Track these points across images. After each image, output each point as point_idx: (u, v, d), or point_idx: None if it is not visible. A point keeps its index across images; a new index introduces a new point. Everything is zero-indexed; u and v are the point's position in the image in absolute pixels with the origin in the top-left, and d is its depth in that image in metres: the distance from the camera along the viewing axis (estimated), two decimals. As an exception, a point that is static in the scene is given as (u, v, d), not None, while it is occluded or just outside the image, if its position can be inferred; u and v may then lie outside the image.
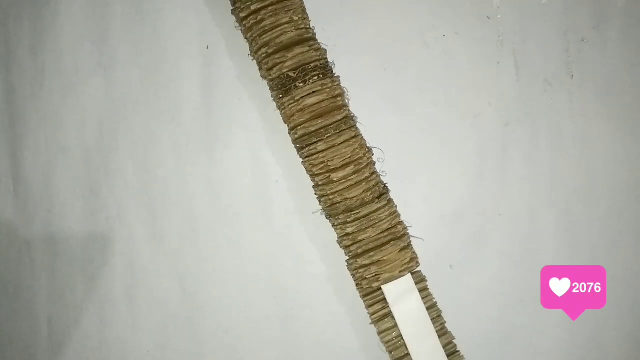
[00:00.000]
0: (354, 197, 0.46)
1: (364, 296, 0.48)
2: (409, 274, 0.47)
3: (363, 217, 0.46)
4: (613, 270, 0.51)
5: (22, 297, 0.61)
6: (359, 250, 0.47)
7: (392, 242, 0.46)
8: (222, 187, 0.56)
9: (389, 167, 0.53)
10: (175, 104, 0.57)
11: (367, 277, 0.46)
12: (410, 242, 0.48)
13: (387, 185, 0.49)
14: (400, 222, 0.48)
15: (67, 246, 0.59)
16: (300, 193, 0.54)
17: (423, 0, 0.54)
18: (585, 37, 0.53)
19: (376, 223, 0.46)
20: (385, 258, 0.46)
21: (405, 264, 0.46)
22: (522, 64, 0.53)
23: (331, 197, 0.46)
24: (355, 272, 0.47)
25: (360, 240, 0.46)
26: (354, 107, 0.52)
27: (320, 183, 0.47)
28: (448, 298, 0.51)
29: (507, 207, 0.53)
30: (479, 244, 0.53)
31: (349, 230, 0.47)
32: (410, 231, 0.53)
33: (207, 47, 0.56)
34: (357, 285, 0.48)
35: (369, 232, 0.46)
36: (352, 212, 0.46)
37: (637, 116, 0.52)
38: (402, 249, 0.47)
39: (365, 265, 0.47)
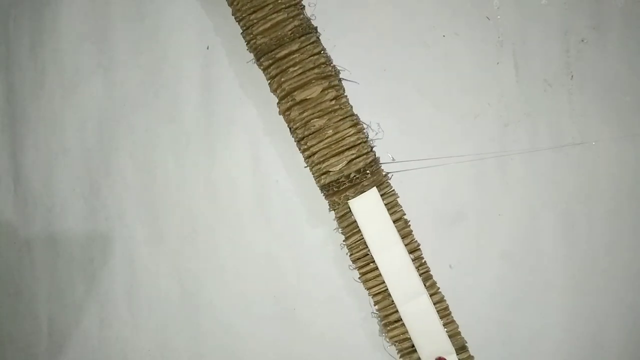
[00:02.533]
0: (273, 37, 0.47)
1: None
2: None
3: (283, 57, 0.47)
4: (613, 270, 0.52)
5: (23, 297, 0.61)
6: (283, 94, 0.47)
7: (314, 81, 0.47)
8: (222, 187, 0.56)
9: (389, 167, 0.53)
10: (175, 104, 0.57)
11: (295, 119, 0.47)
12: (340, 82, 0.49)
13: (316, 27, 0.49)
14: (326, 63, 0.48)
15: (67, 246, 0.59)
16: (300, 193, 0.54)
17: (423, 1, 0.54)
18: (585, 38, 0.53)
19: (297, 63, 0.47)
20: (308, 97, 0.47)
21: (330, 103, 0.47)
22: (521, 64, 0.53)
23: (255, 38, 0.47)
24: (285, 116, 0.49)
25: (283, 82, 0.47)
26: (354, 107, 0.52)
27: (246, 27, 0.48)
28: (448, 298, 0.51)
29: (507, 207, 0.53)
30: (479, 244, 0.53)
31: (273, 72, 0.48)
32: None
33: (207, 47, 0.56)
34: (292, 133, 0.49)
35: (290, 73, 0.47)
36: (273, 52, 0.47)
37: (637, 116, 0.52)
38: (325, 88, 0.47)
39: (289, 107, 0.47)
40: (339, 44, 0.53)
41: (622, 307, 0.51)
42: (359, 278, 0.49)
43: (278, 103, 0.49)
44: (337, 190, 0.47)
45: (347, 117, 0.48)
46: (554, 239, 0.52)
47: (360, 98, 0.53)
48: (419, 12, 0.54)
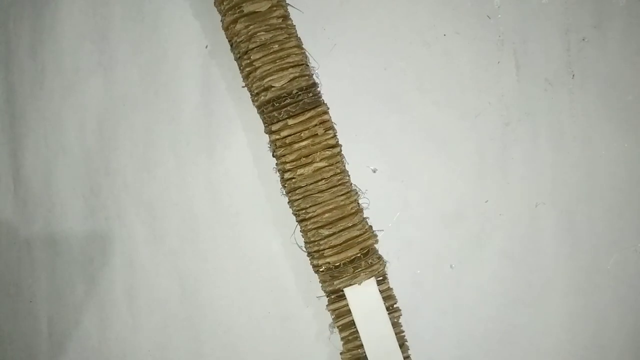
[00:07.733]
0: None
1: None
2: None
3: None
4: (614, 270, 0.51)
5: (23, 297, 0.61)
6: (230, 5, 0.47)
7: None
8: (222, 187, 0.56)
9: (389, 167, 0.53)
10: (175, 104, 0.57)
11: (240, 32, 0.46)
12: (286, 6, 0.48)
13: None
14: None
15: (67, 246, 0.60)
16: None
17: (423, 0, 0.54)
18: (586, 37, 0.52)
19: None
20: (256, 10, 0.46)
21: (277, 20, 0.47)
22: (522, 63, 0.53)
23: None
24: (228, 29, 0.48)
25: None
26: (354, 107, 0.52)
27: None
28: (448, 298, 0.51)
29: (507, 207, 0.53)
30: (479, 244, 0.53)
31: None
32: (411, 231, 0.53)
33: (207, 47, 0.56)
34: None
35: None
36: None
37: (638, 116, 0.52)
38: (274, 5, 0.46)
39: (235, 20, 0.46)
40: (339, 43, 0.53)
41: (622, 307, 0.51)
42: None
43: (223, 16, 0.48)
44: (278, 107, 0.47)
45: (292, 36, 0.47)
46: (554, 238, 0.52)
47: (361, 97, 0.53)
48: (419, 11, 0.54)
